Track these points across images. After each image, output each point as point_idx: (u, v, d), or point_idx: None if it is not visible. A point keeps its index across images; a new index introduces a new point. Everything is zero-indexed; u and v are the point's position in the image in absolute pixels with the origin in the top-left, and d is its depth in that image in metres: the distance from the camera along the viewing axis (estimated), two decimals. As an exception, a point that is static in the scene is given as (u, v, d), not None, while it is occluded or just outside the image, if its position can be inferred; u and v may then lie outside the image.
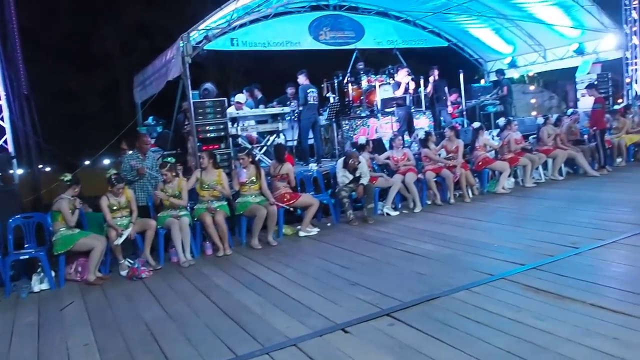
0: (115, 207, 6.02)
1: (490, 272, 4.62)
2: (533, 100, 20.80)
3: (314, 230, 7.00)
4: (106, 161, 13.61)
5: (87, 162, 11.80)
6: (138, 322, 4.36)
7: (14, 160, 7.76)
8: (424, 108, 11.23)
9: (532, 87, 21.24)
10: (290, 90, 10.31)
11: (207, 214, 6.35)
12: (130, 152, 7.20)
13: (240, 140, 8.66)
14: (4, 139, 7.76)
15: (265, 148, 9.17)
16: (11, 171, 7.77)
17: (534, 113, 17.22)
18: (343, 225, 7.37)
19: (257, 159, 7.69)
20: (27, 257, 5.79)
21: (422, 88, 10.97)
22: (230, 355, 3.54)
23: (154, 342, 3.89)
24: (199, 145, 7.69)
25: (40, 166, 8.81)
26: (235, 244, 6.68)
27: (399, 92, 10.53)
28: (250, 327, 3.95)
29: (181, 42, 7.62)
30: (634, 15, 13.30)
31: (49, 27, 19.15)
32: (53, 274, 5.68)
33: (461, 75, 11.38)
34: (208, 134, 7.88)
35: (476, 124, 9.17)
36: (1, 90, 7.66)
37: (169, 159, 6.58)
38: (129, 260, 5.98)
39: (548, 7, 11.82)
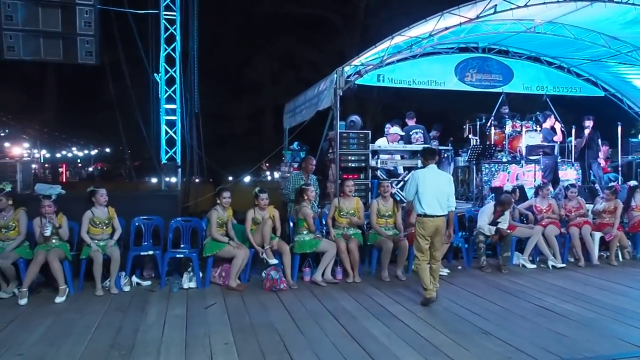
0: (258, 222, 6.47)
1: (641, 344, 4.26)
2: None
3: (445, 271, 6.88)
4: (247, 178, 14.67)
5: (230, 178, 12.82)
6: (272, 331, 4.63)
7: (179, 170, 8.72)
8: (572, 159, 10.62)
9: None
10: (434, 133, 10.51)
11: (341, 240, 6.57)
12: (296, 172, 7.84)
13: (378, 172, 8.85)
14: (173, 149, 8.76)
15: (402, 183, 9.25)
16: (174, 179, 8.73)
17: None
18: (474, 270, 7.19)
19: (393, 192, 7.79)
20: (181, 256, 6.47)
21: (572, 138, 10.41)
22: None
23: (285, 353, 4.11)
24: (340, 173, 8.03)
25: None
26: (364, 274, 6.81)
27: (557, 138, 10.17)
28: (377, 357, 4.03)
29: (335, 75, 8.07)
30: None
31: (212, 54, 21.20)
32: (201, 274, 6.25)
33: (619, 128, 10.61)
34: (350, 164, 8.24)
35: (632, 182, 8.48)
36: (178, 107, 8.70)
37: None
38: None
39: None
